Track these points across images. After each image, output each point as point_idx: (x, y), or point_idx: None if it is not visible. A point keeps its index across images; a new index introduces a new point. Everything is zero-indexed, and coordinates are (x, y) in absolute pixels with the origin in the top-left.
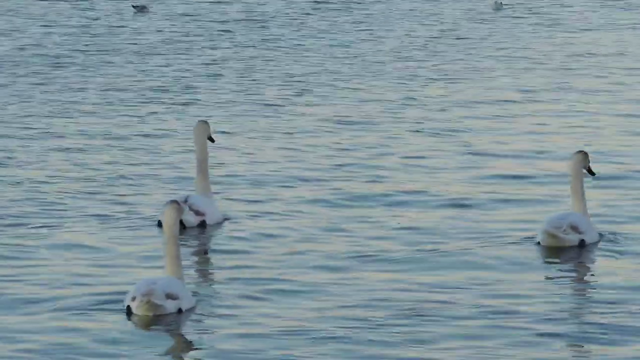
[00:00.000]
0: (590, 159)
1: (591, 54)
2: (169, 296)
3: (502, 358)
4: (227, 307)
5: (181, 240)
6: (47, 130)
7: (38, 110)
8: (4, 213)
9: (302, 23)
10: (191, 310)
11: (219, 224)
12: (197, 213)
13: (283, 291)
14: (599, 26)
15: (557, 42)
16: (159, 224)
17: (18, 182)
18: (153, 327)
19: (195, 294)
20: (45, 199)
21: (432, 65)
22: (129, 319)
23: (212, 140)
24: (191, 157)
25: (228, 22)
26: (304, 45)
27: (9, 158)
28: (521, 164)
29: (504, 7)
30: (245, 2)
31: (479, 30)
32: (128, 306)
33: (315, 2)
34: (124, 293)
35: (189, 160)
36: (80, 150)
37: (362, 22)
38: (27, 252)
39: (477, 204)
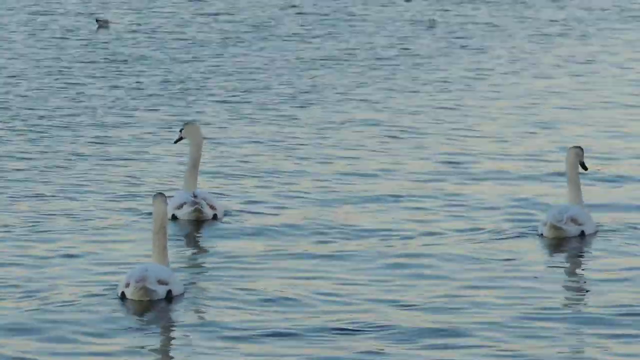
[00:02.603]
0: (584, 154)
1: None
2: (160, 282)
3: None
4: (215, 295)
5: (178, 232)
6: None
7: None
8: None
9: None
10: (180, 296)
11: (224, 217)
12: (211, 207)
13: (269, 286)
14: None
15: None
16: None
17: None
18: (145, 312)
19: (184, 281)
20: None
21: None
22: (123, 305)
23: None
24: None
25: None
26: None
27: None
28: (515, 161)
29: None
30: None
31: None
32: (122, 292)
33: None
34: (112, 281)
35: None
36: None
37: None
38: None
39: (474, 200)
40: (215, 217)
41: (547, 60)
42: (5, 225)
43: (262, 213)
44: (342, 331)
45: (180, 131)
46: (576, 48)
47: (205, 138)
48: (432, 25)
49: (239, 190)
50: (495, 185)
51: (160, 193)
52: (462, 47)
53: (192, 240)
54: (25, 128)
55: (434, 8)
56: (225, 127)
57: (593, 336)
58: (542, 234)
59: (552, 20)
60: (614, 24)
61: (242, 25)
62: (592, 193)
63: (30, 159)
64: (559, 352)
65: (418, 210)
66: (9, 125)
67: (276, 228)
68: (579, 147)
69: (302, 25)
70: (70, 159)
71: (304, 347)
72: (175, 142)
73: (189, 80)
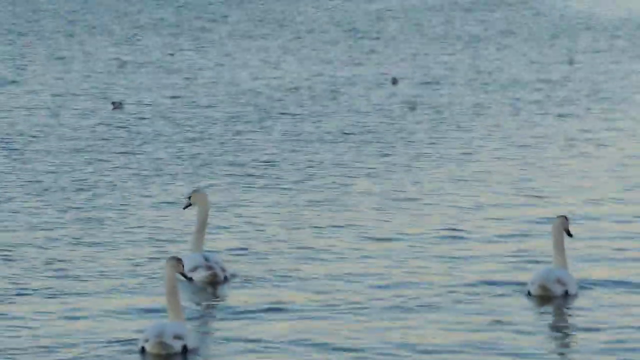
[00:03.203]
0: (569, 222)
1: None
2: (176, 337)
3: None
4: (227, 349)
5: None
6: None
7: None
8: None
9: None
10: (195, 350)
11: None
12: (222, 270)
13: (277, 342)
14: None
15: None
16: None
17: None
18: None
19: (198, 335)
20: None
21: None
22: (143, 358)
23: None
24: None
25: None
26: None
27: None
28: (506, 227)
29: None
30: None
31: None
32: (142, 347)
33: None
34: (133, 337)
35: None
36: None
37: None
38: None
39: (468, 262)
40: (225, 278)
41: (528, 138)
42: (33, 288)
43: (270, 273)
44: None
45: (189, 198)
46: (556, 125)
47: (213, 205)
48: (412, 107)
49: (248, 254)
50: (487, 249)
51: (172, 257)
52: (446, 125)
53: (206, 300)
54: (51, 199)
55: (418, 90)
56: (234, 198)
57: None
58: (530, 293)
59: (531, 101)
60: (590, 104)
61: (246, 105)
62: (576, 255)
63: (57, 226)
64: None
65: (417, 269)
66: (38, 197)
67: (284, 290)
68: (565, 217)
69: (299, 105)
70: (92, 226)
71: None
72: (184, 208)
73: (199, 155)
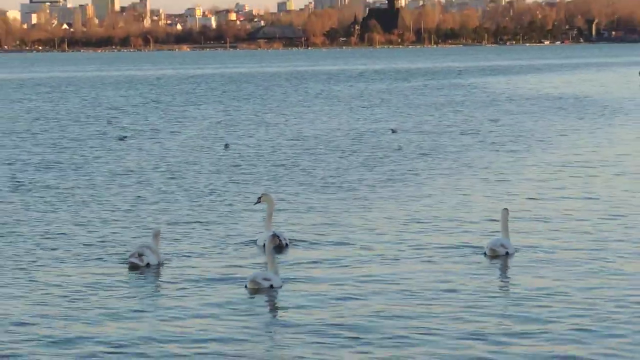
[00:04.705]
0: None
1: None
2: (265, 279)
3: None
4: (305, 285)
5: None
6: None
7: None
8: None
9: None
10: (279, 287)
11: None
12: (285, 238)
13: (334, 282)
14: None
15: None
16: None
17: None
18: (256, 295)
19: (283, 279)
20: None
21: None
22: (246, 291)
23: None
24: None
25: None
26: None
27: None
28: (474, 215)
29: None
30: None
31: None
32: (245, 285)
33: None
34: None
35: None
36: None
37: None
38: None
39: (446, 236)
40: (287, 245)
41: (475, 164)
42: (182, 253)
43: (317, 241)
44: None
45: (259, 198)
46: (491, 157)
47: (283, 201)
48: (399, 148)
49: (304, 230)
50: (459, 228)
51: (272, 234)
52: (424, 155)
53: (284, 258)
54: (189, 204)
55: (407, 136)
56: (295, 199)
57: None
58: (485, 253)
59: (473, 142)
60: (512, 145)
61: (305, 145)
62: (519, 231)
63: (190, 220)
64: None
65: (416, 248)
66: (182, 204)
67: (328, 252)
68: (507, 209)
69: (336, 145)
70: (212, 219)
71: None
72: (255, 204)
73: (277, 175)
